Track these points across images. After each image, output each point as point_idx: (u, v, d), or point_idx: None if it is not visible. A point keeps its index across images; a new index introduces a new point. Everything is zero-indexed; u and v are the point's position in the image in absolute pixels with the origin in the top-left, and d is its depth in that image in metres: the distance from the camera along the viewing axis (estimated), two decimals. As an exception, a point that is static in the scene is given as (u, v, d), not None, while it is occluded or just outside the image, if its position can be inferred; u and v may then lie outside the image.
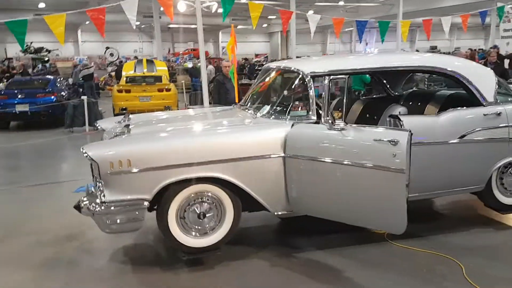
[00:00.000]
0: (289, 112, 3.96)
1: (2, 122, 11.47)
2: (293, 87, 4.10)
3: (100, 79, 21.53)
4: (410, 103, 4.89)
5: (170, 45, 39.88)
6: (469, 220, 4.56)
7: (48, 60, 23.70)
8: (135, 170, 3.43)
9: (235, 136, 3.78)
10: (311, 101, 3.84)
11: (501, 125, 4.10)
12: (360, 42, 16.49)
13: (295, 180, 3.68)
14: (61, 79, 13.98)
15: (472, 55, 12.04)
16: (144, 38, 39.98)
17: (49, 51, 27.76)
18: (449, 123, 3.99)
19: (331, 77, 3.81)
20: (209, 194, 3.69)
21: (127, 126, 3.98)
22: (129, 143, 3.71)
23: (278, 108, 4.12)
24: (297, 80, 4.03)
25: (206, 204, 3.69)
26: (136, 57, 24.03)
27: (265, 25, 39.14)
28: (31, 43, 27.26)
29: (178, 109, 11.45)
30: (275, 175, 3.70)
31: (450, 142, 3.97)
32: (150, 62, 15.14)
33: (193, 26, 39.02)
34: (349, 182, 3.48)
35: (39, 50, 27.23)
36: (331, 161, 3.50)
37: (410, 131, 3.36)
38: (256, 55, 37.53)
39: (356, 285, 3.41)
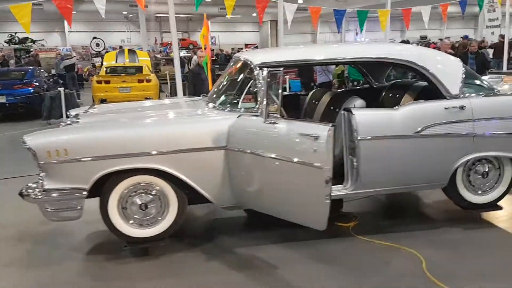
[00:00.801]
0: (239, 104, 3.91)
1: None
2: (244, 78, 4.02)
3: (84, 70, 21.22)
4: (390, 94, 4.77)
5: (158, 35, 39.47)
6: (438, 215, 4.51)
7: (31, 51, 23.28)
8: (71, 159, 3.47)
9: (175, 128, 3.77)
10: (260, 93, 3.71)
11: (464, 119, 3.85)
12: (339, 31, 16.25)
13: (235, 173, 3.65)
14: (41, 70, 13.72)
15: (464, 44, 11.98)
16: (131, 27, 39.49)
17: (34, 42, 27.33)
18: (407, 116, 3.79)
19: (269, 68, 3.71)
20: (152, 185, 3.70)
21: (76, 115, 3.98)
22: (67, 132, 3.72)
23: (231, 99, 4.06)
24: (247, 71, 3.96)
25: (148, 195, 3.71)
26: (121, 47, 23.70)
27: (254, 14, 38.87)
28: (15, 33, 26.85)
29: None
30: (219, 167, 3.65)
31: (408, 136, 3.77)
32: (132, 52, 14.95)
33: (181, 15, 38.70)
34: (277, 176, 3.45)
35: (23, 40, 26.80)
36: (263, 154, 3.45)
37: (332, 125, 3.24)
38: (246, 45, 37.24)
39: (300, 279, 3.37)
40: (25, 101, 11.02)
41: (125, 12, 35.97)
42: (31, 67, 13.10)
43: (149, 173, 3.64)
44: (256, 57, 3.92)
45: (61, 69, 16.30)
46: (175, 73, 7.38)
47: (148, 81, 12.19)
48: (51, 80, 13.15)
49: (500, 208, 4.26)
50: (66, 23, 38.76)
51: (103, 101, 11.36)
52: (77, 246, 4.07)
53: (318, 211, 3.32)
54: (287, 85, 12.69)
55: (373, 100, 4.47)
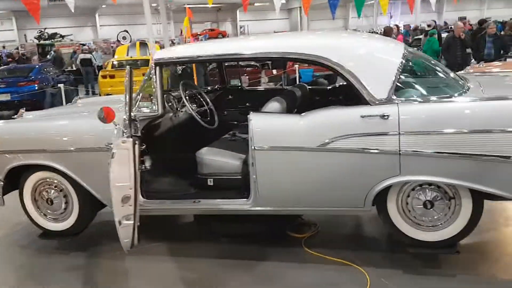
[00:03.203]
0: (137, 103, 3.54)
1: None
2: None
3: (105, 64, 21.31)
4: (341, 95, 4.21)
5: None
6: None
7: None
8: None
9: (68, 126, 3.77)
10: (155, 91, 3.40)
11: (387, 132, 2.91)
12: (333, 18, 15.48)
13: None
14: (49, 66, 13.73)
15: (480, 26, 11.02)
16: (161, 19, 39.60)
17: (62, 37, 27.87)
18: (312, 125, 3.07)
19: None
20: (55, 182, 3.80)
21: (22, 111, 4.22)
22: None
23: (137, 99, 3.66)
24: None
25: (53, 191, 3.81)
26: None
27: (283, 1, 38.13)
28: (45, 29, 27.46)
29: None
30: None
31: (312, 149, 3.04)
32: (143, 45, 14.77)
33: (210, 6, 38.53)
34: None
35: (52, 36, 27.37)
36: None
37: (133, 136, 2.95)
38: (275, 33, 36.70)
39: None
40: (30, 98, 10.99)
41: (155, 4, 36.20)
42: (39, 64, 13.14)
43: (51, 170, 3.70)
44: (158, 54, 3.60)
45: (77, 64, 16.37)
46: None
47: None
48: (59, 76, 13.09)
49: (457, 251, 3.16)
50: (97, 17, 39.50)
51: (108, 95, 11.21)
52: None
53: (120, 233, 3.02)
54: (296, 75, 12.18)
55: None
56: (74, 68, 17.38)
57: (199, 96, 4.27)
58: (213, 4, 37.08)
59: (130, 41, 31.14)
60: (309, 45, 3.37)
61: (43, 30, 27.59)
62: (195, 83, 7.10)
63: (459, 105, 2.98)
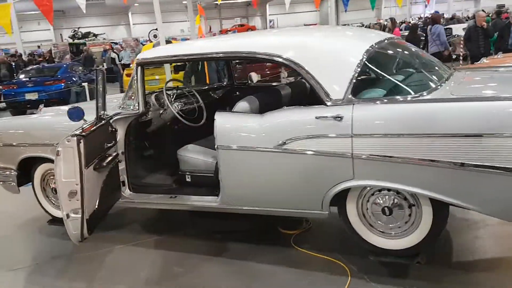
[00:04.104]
0: (125, 102, 3.66)
1: (16, 111, 11.79)
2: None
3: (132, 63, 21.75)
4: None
5: (218, 22, 39.69)
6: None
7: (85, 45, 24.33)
8: (1, 144, 4.18)
9: (62, 121, 3.80)
10: (136, 91, 3.51)
11: (341, 134, 2.79)
12: (346, 10, 15.18)
13: None
14: (78, 66, 14.14)
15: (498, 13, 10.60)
16: (193, 16, 40.00)
17: (95, 36, 28.58)
18: (270, 125, 3.02)
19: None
20: None
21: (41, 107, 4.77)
22: (4, 122, 4.45)
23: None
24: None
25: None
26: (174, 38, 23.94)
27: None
28: (78, 28, 28.24)
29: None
30: None
31: (268, 150, 2.99)
32: (168, 43, 14.94)
33: (239, 1, 38.59)
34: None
35: (86, 35, 28.11)
36: None
37: (78, 135, 2.95)
38: (305, 25, 36.36)
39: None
40: (57, 97, 11.38)
41: (185, 2, 36.61)
42: (66, 63, 13.53)
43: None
44: (140, 54, 3.70)
45: (108, 63, 16.79)
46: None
47: (176, 72, 12.08)
48: (87, 74, 13.47)
49: (417, 262, 2.95)
50: (130, 15, 40.27)
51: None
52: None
53: (68, 225, 3.11)
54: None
55: None
56: (106, 67, 17.82)
57: (190, 94, 4.33)
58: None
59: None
60: (264, 43, 3.32)
61: (76, 29, 28.38)
62: (207, 80, 7.11)
63: (414, 106, 2.74)
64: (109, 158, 3.32)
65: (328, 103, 2.88)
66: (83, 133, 2.99)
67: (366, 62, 2.98)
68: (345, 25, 23.53)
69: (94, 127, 3.18)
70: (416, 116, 2.67)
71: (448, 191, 2.65)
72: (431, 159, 2.58)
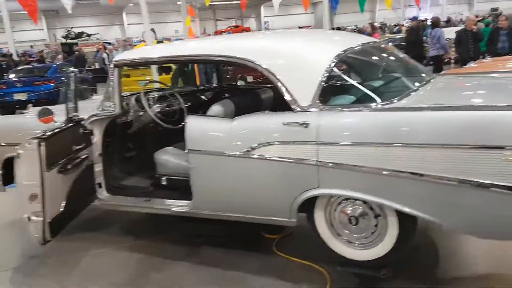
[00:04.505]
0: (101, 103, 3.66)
1: (5, 111, 11.64)
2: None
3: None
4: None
5: (212, 23, 39.65)
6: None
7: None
8: None
9: (31, 121, 3.82)
10: (112, 92, 3.51)
11: (307, 141, 2.73)
12: (335, 13, 15.15)
13: None
14: (68, 66, 14.04)
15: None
16: (182, 17, 39.93)
17: (89, 36, 28.46)
18: (240, 131, 2.97)
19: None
20: None
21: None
22: None
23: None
24: None
25: None
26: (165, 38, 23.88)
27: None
28: (71, 28, 28.10)
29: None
30: None
31: (237, 155, 2.94)
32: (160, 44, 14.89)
33: (234, 2, 38.53)
34: None
35: (79, 35, 27.99)
36: None
37: (38, 138, 2.92)
38: (300, 28, 36.36)
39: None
40: (47, 97, 11.28)
41: (180, 3, 36.57)
42: (56, 63, 13.44)
43: None
44: (117, 56, 3.74)
45: (100, 63, 16.70)
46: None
47: (167, 73, 12.02)
48: (77, 75, 13.36)
49: (383, 274, 2.88)
50: (124, 16, 40.12)
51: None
52: None
53: (30, 228, 3.09)
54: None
55: None
56: (98, 67, 17.73)
57: (171, 96, 4.29)
58: (237, 0, 37.20)
59: (156, 39, 31.73)
60: (233, 47, 3.26)
61: (70, 29, 28.24)
62: (197, 81, 7.10)
63: (377, 115, 2.66)
64: (77, 161, 3.28)
65: (296, 109, 2.82)
66: (44, 136, 2.96)
67: (335, 67, 2.92)
68: (338, 28, 23.56)
69: (58, 130, 3.16)
70: (379, 124, 2.60)
71: (411, 203, 2.55)
72: (393, 169, 2.50)
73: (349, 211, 2.88)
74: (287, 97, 2.86)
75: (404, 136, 2.47)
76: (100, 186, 3.63)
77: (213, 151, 3.02)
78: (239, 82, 5.19)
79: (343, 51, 3.03)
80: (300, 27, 36.53)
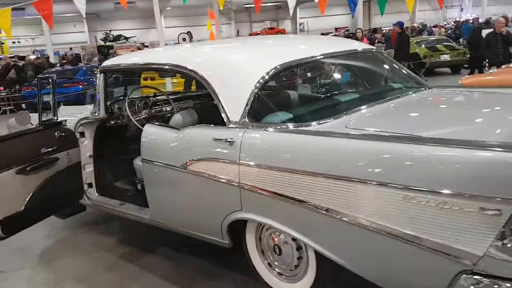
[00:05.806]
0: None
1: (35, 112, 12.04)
2: None
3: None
4: None
5: (248, 26, 39.75)
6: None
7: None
8: None
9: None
10: (99, 96, 3.60)
11: (230, 159, 2.51)
12: (353, 16, 14.72)
13: None
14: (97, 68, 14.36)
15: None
16: (223, 20, 40.25)
17: (126, 39, 29.11)
18: (181, 143, 2.82)
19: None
20: None
21: None
22: None
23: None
24: None
25: None
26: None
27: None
28: (110, 31, 28.83)
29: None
30: None
31: (175, 167, 2.80)
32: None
33: (269, 4, 38.49)
34: None
35: (117, 38, 28.67)
36: None
37: None
38: (336, 29, 35.84)
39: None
40: (74, 99, 11.53)
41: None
42: (85, 66, 13.76)
43: None
44: (104, 62, 3.77)
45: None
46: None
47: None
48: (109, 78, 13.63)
49: None
50: (162, 19, 40.76)
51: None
52: None
53: None
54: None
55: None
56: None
57: (161, 101, 4.26)
58: (273, 2, 37.16)
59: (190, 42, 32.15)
60: (185, 57, 3.13)
61: (108, 32, 29.00)
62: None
63: (287, 138, 2.39)
64: (40, 163, 3.31)
65: (228, 124, 2.62)
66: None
67: (273, 80, 2.72)
68: (375, 29, 22.97)
69: (11, 134, 3.29)
70: (287, 148, 2.34)
71: (320, 240, 2.25)
72: (300, 199, 2.21)
73: (276, 239, 2.67)
74: (221, 110, 2.67)
75: (308, 164, 2.18)
76: (90, 186, 3.74)
77: (160, 162, 2.94)
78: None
79: (287, 62, 2.75)
80: (336, 29, 36.11)
